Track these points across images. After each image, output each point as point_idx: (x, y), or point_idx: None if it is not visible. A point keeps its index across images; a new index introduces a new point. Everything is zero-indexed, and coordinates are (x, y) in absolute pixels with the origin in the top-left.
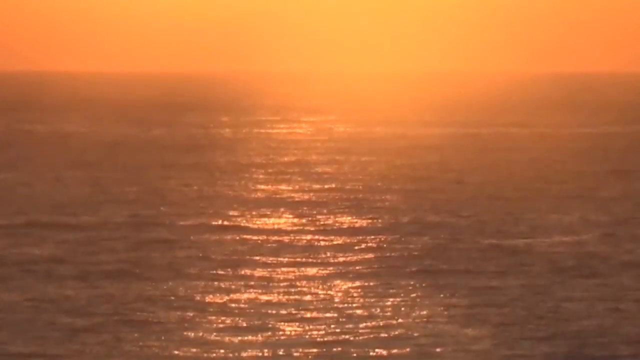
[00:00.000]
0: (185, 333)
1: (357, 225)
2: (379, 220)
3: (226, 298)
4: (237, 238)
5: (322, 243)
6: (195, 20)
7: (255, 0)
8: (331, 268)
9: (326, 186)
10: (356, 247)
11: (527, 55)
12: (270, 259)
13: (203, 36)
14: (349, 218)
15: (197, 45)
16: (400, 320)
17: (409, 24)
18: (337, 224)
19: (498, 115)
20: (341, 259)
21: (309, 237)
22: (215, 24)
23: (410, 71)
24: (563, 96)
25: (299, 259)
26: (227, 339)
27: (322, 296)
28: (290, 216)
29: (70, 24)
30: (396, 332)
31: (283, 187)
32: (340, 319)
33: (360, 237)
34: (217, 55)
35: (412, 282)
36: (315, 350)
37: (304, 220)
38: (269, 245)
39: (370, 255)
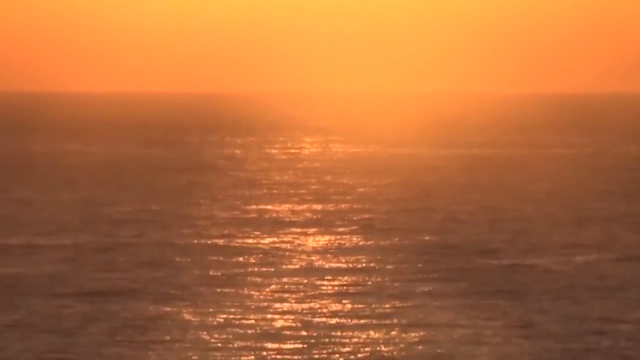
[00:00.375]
0: (185, 353)
1: (359, 244)
2: (386, 242)
3: (223, 318)
4: (236, 259)
5: (321, 263)
6: (199, 41)
7: (258, 22)
8: (335, 285)
9: (328, 206)
10: (358, 268)
11: (514, 76)
12: (270, 279)
13: (209, 57)
14: (349, 237)
15: (202, 66)
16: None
17: (404, 47)
18: (337, 244)
19: (495, 135)
20: (343, 279)
21: (306, 257)
22: (219, 45)
23: (406, 92)
24: (549, 116)
25: (297, 279)
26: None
27: (324, 319)
28: (290, 235)
29: (75, 44)
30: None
31: (283, 206)
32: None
33: (363, 257)
34: (221, 76)
35: (412, 304)
36: None
37: (305, 239)
38: (267, 265)
39: (375, 278)
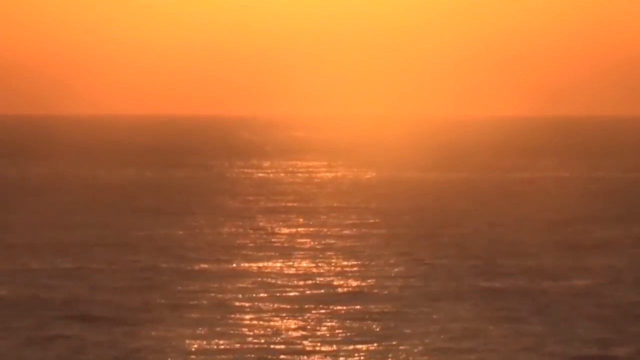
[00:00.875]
0: None
1: (365, 270)
2: (398, 269)
3: (225, 344)
4: (243, 284)
5: (322, 291)
6: (196, 64)
7: (253, 48)
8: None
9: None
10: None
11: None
12: (272, 304)
13: (209, 81)
14: (348, 263)
15: (201, 90)
16: None
17: (397, 69)
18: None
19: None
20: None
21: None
22: (214, 68)
23: (400, 114)
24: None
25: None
26: None
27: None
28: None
29: (74, 68)
30: None
31: (284, 230)
32: None
33: (373, 282)
34: (218, 100)
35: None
36: None
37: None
38: (268, 291)
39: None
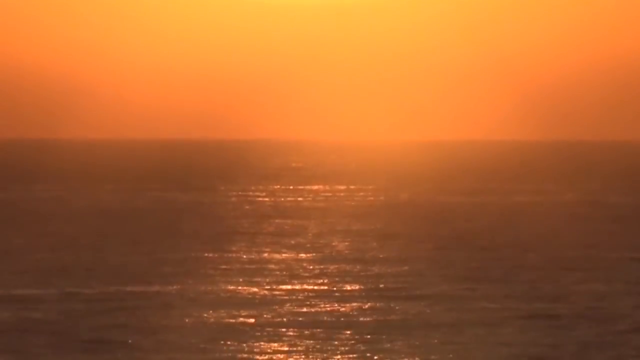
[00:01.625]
0: None
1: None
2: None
3: None
4: (242, 312)
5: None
6: (198, 89)
7: (252, 71)
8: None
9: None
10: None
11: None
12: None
13: (208, 104)
14: (350, 286)
15: (202, 114)
16: None
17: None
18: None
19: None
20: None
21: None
22: (216, 93)
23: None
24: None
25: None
26: None
27: None
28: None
29: (76, 93)
30: None
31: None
32: None
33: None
34: (221, 123)
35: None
36: None
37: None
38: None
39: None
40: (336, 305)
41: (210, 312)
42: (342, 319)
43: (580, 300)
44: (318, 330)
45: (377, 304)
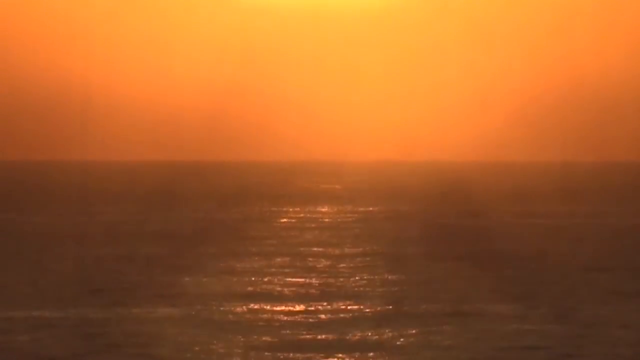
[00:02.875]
0: None
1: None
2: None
3: None
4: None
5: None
6: (196, 111)
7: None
8: None
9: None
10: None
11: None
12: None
13: (207, 127)
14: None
15: (201, 135)
16: None
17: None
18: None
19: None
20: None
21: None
22: (212, 114)
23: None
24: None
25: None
26: None
27: None
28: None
29: (77, 114)
30: None
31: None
32: None
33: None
34: (221, 145)
35: None
36: None
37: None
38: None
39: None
40: None
41: None
42: None
43: None
44: None
45: None
